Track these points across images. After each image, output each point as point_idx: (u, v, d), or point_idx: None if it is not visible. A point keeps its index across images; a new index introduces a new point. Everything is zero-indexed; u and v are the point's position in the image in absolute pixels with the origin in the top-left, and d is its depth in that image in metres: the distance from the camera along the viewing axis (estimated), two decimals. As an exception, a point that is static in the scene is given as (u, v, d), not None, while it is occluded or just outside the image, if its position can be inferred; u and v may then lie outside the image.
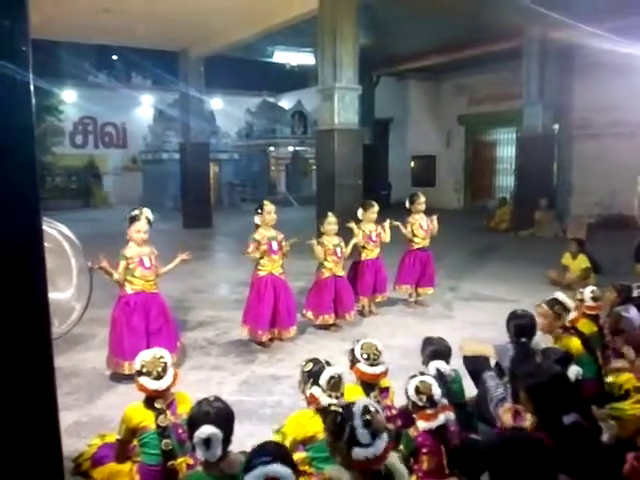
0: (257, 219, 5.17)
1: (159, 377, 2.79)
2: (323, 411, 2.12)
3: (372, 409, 2.02)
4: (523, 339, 3.32)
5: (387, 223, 6.21)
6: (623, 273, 7.12)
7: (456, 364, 3.35)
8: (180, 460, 2.74)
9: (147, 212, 4.44)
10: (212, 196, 15.86)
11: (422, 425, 2.66)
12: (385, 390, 3.18)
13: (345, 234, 5.95)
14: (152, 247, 4.51)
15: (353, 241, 5.97)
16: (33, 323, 1.66)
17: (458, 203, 19.00)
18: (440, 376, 3.02)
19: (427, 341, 3.34)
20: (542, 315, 3.69)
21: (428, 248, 6.54)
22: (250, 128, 22.16)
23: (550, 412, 2.46)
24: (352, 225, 6.05)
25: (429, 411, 2.68)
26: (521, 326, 3.38)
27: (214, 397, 2.46)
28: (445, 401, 2.76)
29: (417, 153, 20.18)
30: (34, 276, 1.66)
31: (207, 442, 2.21)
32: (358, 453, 1.95)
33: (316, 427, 2.66)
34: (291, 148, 21.28)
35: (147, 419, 2.76)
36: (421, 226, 6.41)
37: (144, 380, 2.79)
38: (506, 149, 17.97)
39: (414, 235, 6.41)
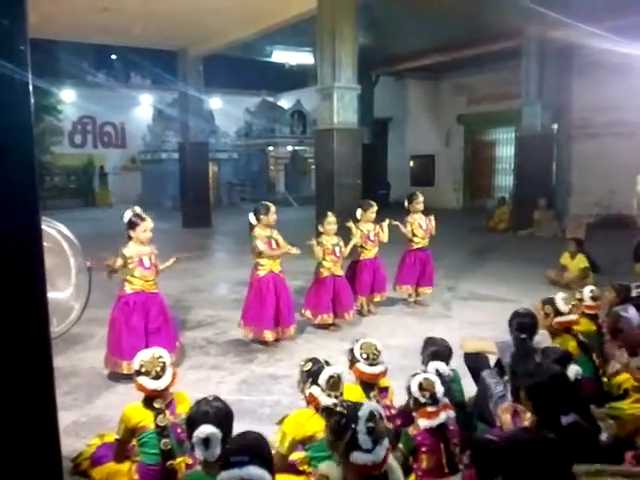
0: (260, 220, 5.10)
1: (158, 377, 2.79)
2: (327, 411, 2.11)
3: (377, 415, 2.00)
4: (523, 335, 3.36)
5: (385, 223, 6.21)
6: (622, 273, 7.12)
7: (455, 364, 3.35)
8: (179, 460, 2.74)
9: (138, 209, 4.45)
10: (211, 196, 15.87)
11: (423, 423, 2.66)
12: (384, 390, 3.19)
13: (344, 234, 5.95)
14: (153, 247, 4.51)
15: (353, 241, 5.96)
16: (32, 322, 1.65)
17: (457, 203, 19.00)
18: (439, 377, 3.02)
19: (428, 341, 3.33)
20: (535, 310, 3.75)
21: (427, 248, 6.54)
22: (249, 128, 22.16)
23: (549, 412, 2.47)
24: (350, 225, 6.05)
25: (430, 409, 2.68)
26: (523, 324, 3.43)
27: (213, 397, 2.46)
28: (446, 400, 2.76)
29: (416, 153, 20.19)
30: (33, 275, 1.66)
31: (206, 442, 2.21)
32: (357, 458, 1.94)
33: (315, 427, 2.65)
34: (290, 148, 21.28)
35: (146, 419, 2.76)
36: (420, 226, 6.41)
37: (143, 380, 2.79)
38: (505, 149, 17.98)
39: (413, 235, 6.41)
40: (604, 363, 3.79)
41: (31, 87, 1.60)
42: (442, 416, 2.67)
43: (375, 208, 6.17)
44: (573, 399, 2.66)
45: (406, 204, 6.53)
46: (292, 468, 2.75)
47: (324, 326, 5.69)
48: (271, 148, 21.32)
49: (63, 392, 4.02)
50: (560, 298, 3.78)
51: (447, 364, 3.15)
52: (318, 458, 2.59)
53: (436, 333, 3.52)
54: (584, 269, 7.37)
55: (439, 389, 2.72)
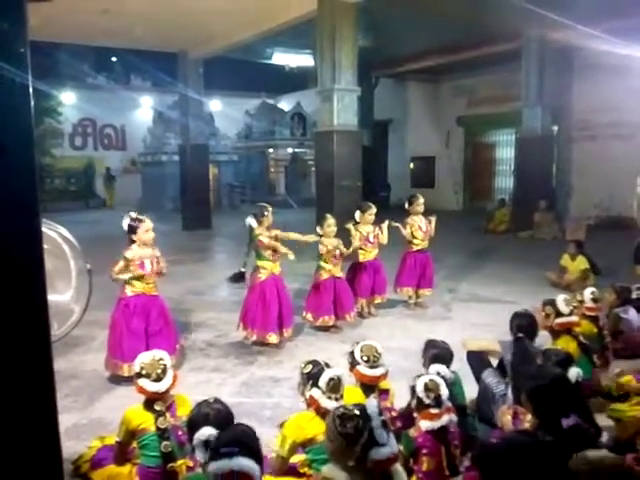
0: (261, 222, 5.13)
1: (158, 379, 2.79)
2: (340, 419, 2.05)
3: (380, 408, 2.05)
4: (520, 334, 3.41)
5: (385, 224, 6.20)
6: (622, 274, 7.12)
7: (456, 367, 3.34)
8: (180, 462, 2.74)
9: (133, 214, 4.46)
10: (211, 198, 15.86)
11: (425, 425, 2.66)
12: (385, 392, 3.18)
13: (344, 236, 5.94)
14: (156, 249, 4.51)
15: (354, 244, 5.95)
16: (32, 325, 1.65)
17: (457, 204, 18.99)
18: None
19: (429, 344, 3.32)
20: (534, 311, 3.78)
21: (427, 249, 6.54)
22: (249, 130, 22.16)
23: (549, 414, 2.46)
24: (349, 226, 6.04)
25: (433, 411, 2.68)
26: (522, 325, 3.48)
27: (214, 399, 2.46)
28: (449, 403, 2.76)
29: (416, 154, 20.18)
30: (33, 278, 1.66)
31: (207, 444, 2.20)
32: (377, 453, 1.97)
33: (316, 429, 2.65)
34: (290, 150, 21.28)
35: (147, 421, 2.76)
36: (420, 227, 6.41)
37: (143, 382, 2.79)
38: (505, 150, 17.97)
39: (413, 236, 6.41)
40: (604, 364, 3.79)
41: (31, 89, 1.60)
42: (445, 418, 2.67)
43: (374, 210, 6.16)
44: (574, 401, 2.66)
45: (406, 206, 6.53)
46: (293, 471, 2.75)
47: (324, 328, 5.69)
48: (271, 150, 21.33)
49: (64, 395, 4.03)
50: (561, 299, 3.79)
51: (448, 367, 3.15)
52: (318, 461, 2.58)
53: (437, 335, 3.52)
54: (584, 271, 7.36)
55: (444, 391, 2.72)
